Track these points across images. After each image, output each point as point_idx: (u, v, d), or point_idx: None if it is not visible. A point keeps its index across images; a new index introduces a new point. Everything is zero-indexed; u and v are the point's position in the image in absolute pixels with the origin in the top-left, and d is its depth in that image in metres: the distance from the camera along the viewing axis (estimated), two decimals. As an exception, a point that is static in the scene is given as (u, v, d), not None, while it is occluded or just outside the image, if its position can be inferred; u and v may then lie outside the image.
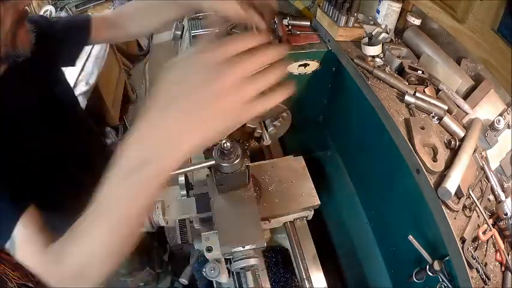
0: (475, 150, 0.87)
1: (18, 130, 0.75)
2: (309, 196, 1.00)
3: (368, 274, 1.35)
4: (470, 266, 0.70)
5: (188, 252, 1.05)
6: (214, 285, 1.07)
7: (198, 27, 1.38)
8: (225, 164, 0.81)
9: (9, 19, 0.63)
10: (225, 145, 0.79)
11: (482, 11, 0.87)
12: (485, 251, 0.75)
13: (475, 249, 0.74)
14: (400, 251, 1.12)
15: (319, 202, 1.00)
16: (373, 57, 1.13)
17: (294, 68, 1.29)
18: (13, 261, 1.47)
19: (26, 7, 0.70)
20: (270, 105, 0.40)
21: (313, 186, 1.03)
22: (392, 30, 1.21)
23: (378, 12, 1.22)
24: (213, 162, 0.81)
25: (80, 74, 2.14)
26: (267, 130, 1.14)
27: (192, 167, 0.82)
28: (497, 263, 0.75)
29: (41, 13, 2.53)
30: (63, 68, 0.98)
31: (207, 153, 0.86)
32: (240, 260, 0.82)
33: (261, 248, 0.82)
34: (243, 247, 0.81)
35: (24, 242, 0.59)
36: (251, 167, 0.88)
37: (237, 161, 0.81)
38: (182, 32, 1.47)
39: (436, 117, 0.94)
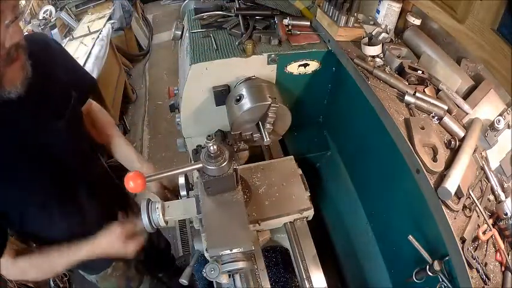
0: (475, 150, 0.87)
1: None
2: (300, 199, 0.99)
3: (368, 274, 1.35)
4: (470, 266, 0.70)
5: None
6: (215, 286, 1.07)
7: (198, 27, 1.38)
8: (211, 167, 0.80)
9: None
10: (211, 148, 0.78)
11: (482, 11, 0.86)
12: (485, 251, 0.75)
13: (475, 249, 0.74)
14: (400, 251, 1.12)
15: (310, 205, 0.98)
16: (373, 57, 1.13)
17: (294, 68, 1.29)
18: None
19: (20, 40, 0.67)
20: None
21: (304, 188, 1.01)
22: (392, 30, 1.21)
23: (378, 12, 1.22)
24: (200, 165, 0.80)
25: (80, 74, 2.13)
26: (264, 131, 1.13)
27: (178, 170, 0.81)
28: (497, 263, 0.75)
29: (41, 13, 2.51)
30: None
31: (196, 156, 0.86)
32: (228, 263, 0.81)
33: (249, 251, 0.81)
34: (231, 250, 0.80)
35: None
36: (242, 169, 0.86)
37: (224, 164, 0.80)
38: (182, 32, 1.47)
39: (436, 117, 0.94)
